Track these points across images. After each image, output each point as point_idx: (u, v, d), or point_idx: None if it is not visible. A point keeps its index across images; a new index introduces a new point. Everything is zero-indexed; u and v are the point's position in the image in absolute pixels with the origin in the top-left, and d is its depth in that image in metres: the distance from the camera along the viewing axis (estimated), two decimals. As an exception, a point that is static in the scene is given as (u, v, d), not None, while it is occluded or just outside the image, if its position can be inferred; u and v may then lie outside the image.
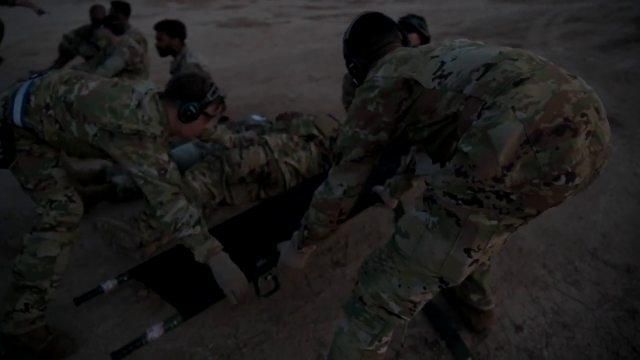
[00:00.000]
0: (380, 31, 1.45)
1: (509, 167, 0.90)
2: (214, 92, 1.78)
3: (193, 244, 1.65)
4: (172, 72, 3.63)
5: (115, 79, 1.75)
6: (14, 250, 2.26)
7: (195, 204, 2.10)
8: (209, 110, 1.79)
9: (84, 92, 1.63)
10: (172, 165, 1.67)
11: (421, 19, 2.68)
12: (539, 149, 0.89)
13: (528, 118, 0.89)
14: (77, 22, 6.80)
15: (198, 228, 1.66)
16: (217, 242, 1.69)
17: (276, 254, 1.80)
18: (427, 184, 1.08)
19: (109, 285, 1.88)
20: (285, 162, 2.54)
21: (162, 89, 1.79)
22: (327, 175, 1.41)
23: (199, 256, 1.66)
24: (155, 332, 1.53)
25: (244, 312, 1.82)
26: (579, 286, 1.89)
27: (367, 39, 1.44)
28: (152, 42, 3.78)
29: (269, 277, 1.78)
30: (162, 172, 1.62)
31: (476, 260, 1.04)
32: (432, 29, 3.06)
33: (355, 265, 2.05)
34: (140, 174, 1.61)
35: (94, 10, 5.13)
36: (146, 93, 1.68)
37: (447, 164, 1.06)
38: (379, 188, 2.26)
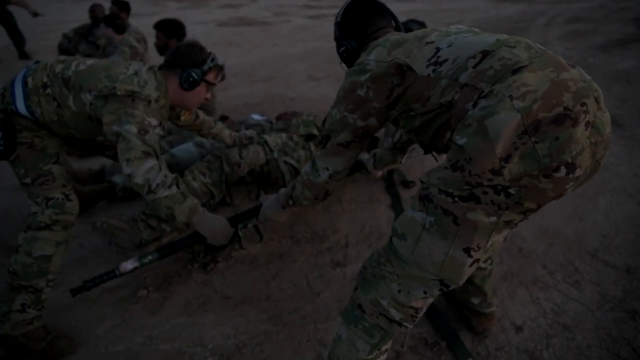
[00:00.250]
0: (373, 15, 1.40)
1: (507, 158, 0.88)
2: (213, 59, 1.82)
3: (172, 204, 1.61)
4: None
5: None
6: (13, 249, 2.24)
7: None
8: (210, 77, 1.83)
9: (82, 67, 1.66)
10: (157, 130, 1.62)
11: (422, 23, 2.67)
12: (537, 139, 0.87)
13: (526, 107, 0.87)
14: (76, 21, 6.77)
15: (174, 188, 1.61)
16: (196, 200, 1.66)
17: (258, 206, 1.81)
18: (422, 182, 1.05)
19: (126, 266, 1.78)
20: (285, 162, 2.54)
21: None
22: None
23: (181, 216, 1.63)
24: (129, 264, 1.58)
25: (243, 312, 1.81)
26: (579, 287, 1.89)
27: (360, 23, 1.39)
28: (151, 41, 3.77)
29: (250, 225, 1.76)
30: (142, 132, 1.57)
31: (477, 260, 1.01)
32: (432, 29, 3.04)
33: (356, 266, 2.04)
34: (120, 130, 1.56)
35: (94, 9, 5.12)
36: (144, 66, 1.72)
37: (438, 155, 1.07)
38: (364, 156, 2.26)
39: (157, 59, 4.35)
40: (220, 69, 1.90)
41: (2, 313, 1.64)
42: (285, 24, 9.32)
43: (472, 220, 0.95)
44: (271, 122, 3.23)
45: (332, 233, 2.30)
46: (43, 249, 1.68)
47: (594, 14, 8.62)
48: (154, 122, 1.62)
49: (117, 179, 2.67)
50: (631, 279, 1.92)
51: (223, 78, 1.96)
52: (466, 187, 0.93)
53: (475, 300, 1.61)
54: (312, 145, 2.70)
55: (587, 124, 0.89)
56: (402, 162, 2.11)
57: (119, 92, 1.58)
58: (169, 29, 3.45)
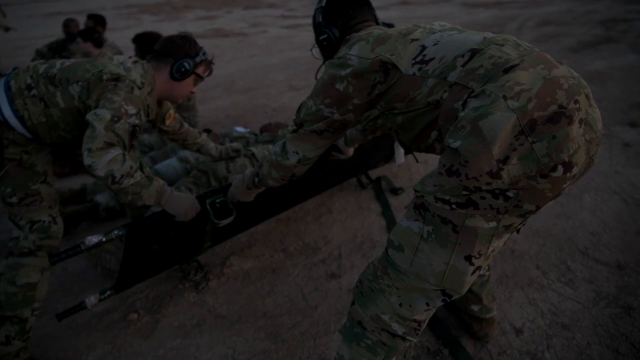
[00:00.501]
0: (360, 6, 1.35)
1: (505, 160, 0.85)
2: (204, 53, 1.80)
3: (138, 189, 1.52)
4: None
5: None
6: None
7: None
8: (200, 70, 1.81)
9: (67, 64, 1.61)
10: (132, 119, 1.53)
11: (390, 25, 2.68)
12: (535, 139, 0.85)
13: (521, 107, 0.85)
14: (47, 37, 6.64)
15: (139, 174, 1.53)
16: (162, 181, 1.61)
17: (227, 185, 1.77)
18: (415, 191, 1.02)
19: (91, 300, 1.77)
20: None
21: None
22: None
23: (149, 199, 1.56)
24: (94, 238, 1.55)
25: (240, 331, 1.76)
26: (573, 285, 1.90)
27: (345, 12, 1.33)
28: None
29: (218, 201, 1.72)
30: (115, 119, 1.47)
31: (478, 268, 0.98)
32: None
33: (351, 276, 2.02)
34: (93, 115, 1.47)
35: (68, 24, 5.00)
36: (129, 59, 1.67)
37: (419, 155, 1.06)
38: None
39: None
40: (209, 63, 1.87)
41: None
42: (262, 34, 9.32)
43: (471, 227, 0.93)
44: (256, 134, 3.19)
45: (324, 244, 2.27)
46: (28, 276, 1.60)
47: (563, 17, 8.89)
48: (132, 110, 1.53)
49: (100, 198, 2.59)
50: (622, 274, 1.94)
51: (210, 72, 1.92)
52: (464, 192, 0.90)
53: (474, 307, 1.60)
54: None
55: (581, 121, 0.88)
56: (397, 164, 2.09)
57: (104, 77, 1.53)
58: (142, 45, 3.39)
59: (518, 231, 1.08)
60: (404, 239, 1.03)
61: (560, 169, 0.87)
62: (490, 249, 0.97)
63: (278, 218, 2.52)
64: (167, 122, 2.02)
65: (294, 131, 1.30)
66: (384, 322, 1.08)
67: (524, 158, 0.85)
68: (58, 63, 1.61)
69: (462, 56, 0.98)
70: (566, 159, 0.86)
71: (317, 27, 1.38)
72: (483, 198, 0.90)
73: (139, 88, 1.58)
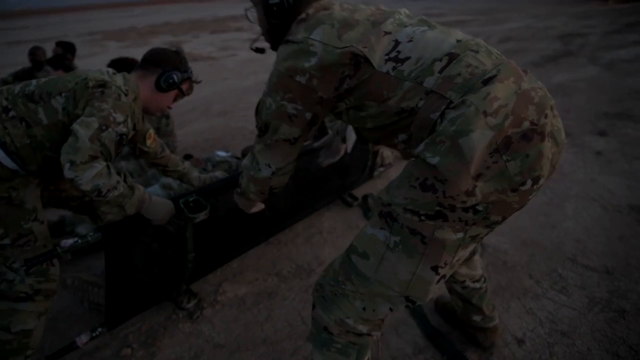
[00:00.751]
0: None
1: (478, 177, 0.85)
2: (191, 72, 1.81)
3: (121, 200, 1.51)
4: None
5: None
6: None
7: None
8: (184, 86, 1.80)
9: (43, 81, 1.55)
10: (119, 127, 1.48)
11: None
12: (509, 157, 0.84)
13: (498, 124, 0.84)
14: (9, 65, 6.44)
15: (122, 185, 1.50)
16: (142, 189, 1.59)
17: (203, 187, 1.87)
18: (380, 199, 0.99)
19: (82, 339, 1.74)
20: None
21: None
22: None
23: (130, 209, 1.56)
24: (69, 240, 1.54)
25: (241, 360, 1.71)
26: (566, 292, 1.94)
27: None
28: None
29: (191, 199, 1.75)
30: (103, 127, 1.43)
31: (443, 276, 0.98)
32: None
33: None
34: (79, 124, 1.41)
35: (35, 52, 4.87)
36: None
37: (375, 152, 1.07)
38: None
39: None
40: (193, 82, 1.86)
41: None
42: (232, 57, 9.33)
43: (440, 238, 0.92)
44: (238, 158, 3.17)
45: (318, 265, 2.25)
46: (25, 322, 1.50)
47: (523, 33, 9.30)
48: (120, 118, 1.49)
49: (81, 230, 2.50)
50: (612, 279, 2.00)
51: (191, 92, 1.92)
52: (437, 207, 0.89)
53: (477, 318, 1.61)
54: None
55: (550, 134, 0.89)
56: (348, 151, 2.09)
57: (90, 83, 1.48)
58: (124, 68, 3.34)
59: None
60: (369, 247, 1.00)
61: (529, 182, 0.88)
62: (456, 258, 0.97)
63: (268, 242, 2.49)
64: (148, 142, 1.97)
65: (260, 136, 1.19)
66: (349, 325, 1.09)
67: (497, 176, 0.85)
68: (34, 81, 1.55)
69: (440, 60, 0.94)
70: (537, 175, 0.88)
71: None
72: (453, 211, 0.89)
73: (125, 94, 1.55)
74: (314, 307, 1.15)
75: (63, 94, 1.49)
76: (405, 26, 1.05)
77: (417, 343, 1.72)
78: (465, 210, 0.88)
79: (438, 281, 0.97)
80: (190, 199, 1.75)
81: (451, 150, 0.85)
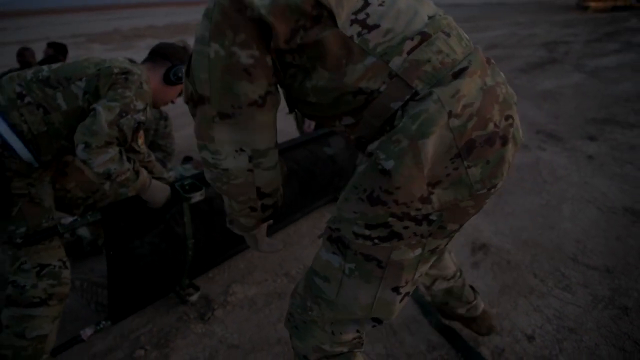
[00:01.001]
0: None
1: (435, 184, 0.77)
2: None
3: (126, 183, 1.55)
4: None
5: None
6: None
7: None
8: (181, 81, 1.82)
9: (54, 67, 1.53)
10: (139, 115, 1.50)
11: None
12: (470, 163, 0.77)
13: (460, 126, 0.75)
14: (-2, 67, 6.28)
15: (129, 170, 1.53)
16: (146, 173, 1.63)
17: (197, 173, 1.89)
18: (328, 224, 0.91)
19: (87, 332, 1.73)
20: None
21: None
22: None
23: (132, 191, 1.60)
24: (69, 219, 1.59)
25: None
26: (571, 290, 2.00)
27: None
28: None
29: (187, 183, 1.81)
30: (123, 114, 1.44)
31: (407, 294, 0.93)
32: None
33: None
34: (102, 105, 1.42)
35: (23, 53, 4.79)
36: None
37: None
38: None
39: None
40: None
41: None
42: (222, 61, 9.30)
43: (397, 260, 0.85)
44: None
45: (327, 265, 2.26)
46: (40, 328, 1.48)
47: (508, 41, 9.51)
48: (140, 106, 1.51)
49: (83, 232, 2.46)
50: (613, 277, 2.07)
51: None
52: (390, 218, 0.80)
53: (462, 311, 1.62)
54: None
55: (513, 139, 0.82)
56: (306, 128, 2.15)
57: (115, 70, 1.49)
58: None
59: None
60: (327, 272, 0.93)
61: (487, 187, 0.82)
62: (417, 274, 0.91)
63: (273, 242, 2.49)
64: (140, 141, 1.96)
65: (206, 115, 0.82)
66: (327, 351, 1.04)
67: (456, 184, 0.78)
68: (44, 67, 1.53)
69: (412, 39, 0.79)
70: (496, 182, 0.82)
71: None
72: (406, 227, 0.81)
73: (147, 83, 1.57)
74: (290, 337, 1.10)
75: (84, 79, 1.48)
76: None
77: (430, 340, 1.75)
78: (419, 223, 0.81)
79: (402, 299, 0.92)
80: (186, 182, 1.81)
81: (408, 152, 0.75)
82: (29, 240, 1.51)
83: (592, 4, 15.18)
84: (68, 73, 1.49)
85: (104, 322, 1.79)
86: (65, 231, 1.58)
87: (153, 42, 12.97)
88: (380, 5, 0.82)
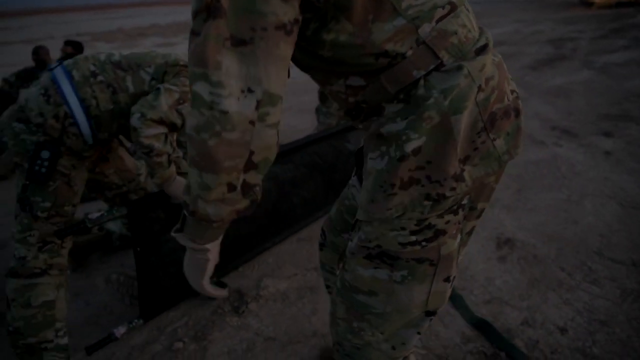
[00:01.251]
0: None
1: (465, 160, 0.76)
2: None
3: (157, 168, 1.61)
4: None
5: None
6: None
7: None
8: None
9: (125, 53, 1.66)
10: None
11: None
12: (495, 136, 0.77)
13: (484, 100, 0.75)
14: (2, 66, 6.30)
15: (166, 157, 1.62)
16: (174, 167, 1.69)
17: None
18: (363, 240, 0.85)
19: (120, 330, 1.79)
20: None
21: None
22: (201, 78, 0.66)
23: (158, 179, 1.65)
24: (96, 214, 1.65)
25: (295, 352, 1.74)
26: (599, 284, 2.03)
27: None
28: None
29: None
30: (181, 101, 1.57)
31: (454, 277, 0.92)
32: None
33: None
34: (166, 86, 1.55)
35: (38, 51, 4.82)
36: None
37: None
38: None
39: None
40: None
41: None
42: (228, 58, 9.31)
43: (446, 254, 0.85)
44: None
45: (354, 260, 2.29)
46: (45, 294, 1.55)
47: (513, 38, 9.52)
48: None
49: (113, 226, 2.49)
50: (639, 271, 2.10)
51: None
52: (426, 202, 0.77)
53: None
54: None
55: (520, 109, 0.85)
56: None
57: (181, 62, 1.64)
58: None
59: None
60: (374, 285, 0.88)
61: (512, 156, 0.83)
62: (460, 257, 0.92)
63: (299, 238, 2.53)
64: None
65: (215, 32, 0.64)
66: None
67: (485, 157, 0.77)
68: (115, 52, 1.66)
69: (443, 8, 0.76)
70: (518, 151, 0.84)
71: None
72: (447, 222, 0.81)
73: None
74: None
75: (152, 66, 1.61)
76: None
77: (464, 333, 1.78)
78: (456, 212, 0.81)
79: (451, 284, 0.92)
80: None
81: (440, 128, 0.73)
82: (60, 234, 1.58)
83: (597, 0, 15.15)
84: (138, 60, 1.61)
85: (136, 321, 1.83)
86: (93, 225, 1.63)
87: (157, 41, 13.00)
88: None
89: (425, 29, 0.74)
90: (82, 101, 1.53)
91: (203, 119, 0.66)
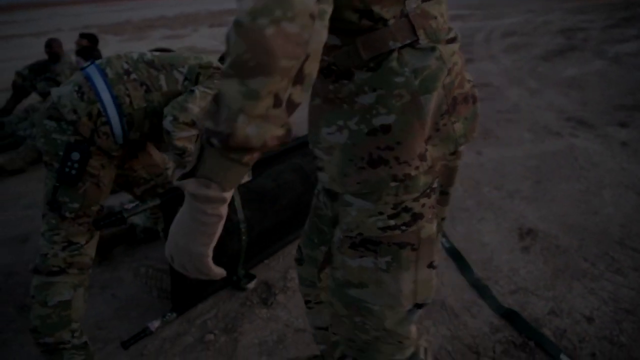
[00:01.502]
0: None
1: (427, 140, 0.78)
2: None
3: (188, 167, 1.67)
4: None
5: None
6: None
7: None
8: None
9: (157, 53, 1.69)
10: None
11: None
12: (455, 119, 0.81)
13: (450, 84, 0.79)
14: (5, 60, 6.33)
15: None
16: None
17: None
18: (346, 230, 0.87)
19: (154, 324, 1.83)
20: None
21: None
22: None
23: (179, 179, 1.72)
24: (131, 205, 1.69)
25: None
26: (622, 274, 2.04)
27: None
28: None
29: None
30: None
31: (437, 264, 0.94)
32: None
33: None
34: (200, 88, 1.59)
35: (51, 44, 4.83)
36: None
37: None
38: None
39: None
40: None
41: None
42: (236, 51, 9.30)
43: (426, 238, 0.86)
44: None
45: (377, 251, 2.32)
46: (60, 294, 1.53)
47: (524, 28, 9.44)
48: None
49: (137, 219, 2.52)
50: (663, 261, 2.11)
51: None
52: (393, 183, 0.78)
53: None
54: None
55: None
56: None
57: (214, 64, 1.66)
58: None
59: None
60: (363, 277, 0.89)
61: (468, 140, 0.87)
62: (438, 244, 0.93)
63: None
64: None
65: None
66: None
67: (445, 139, 0.81)
68: (148, 53, 1.69)
69: None
70: (473, 135, 0.88)
71: None
72: (424, 205, 0.83)
73: None
74: None
75: (185, 67, 1.63)
76: None
77: (492, 323, 1.80)
78: (429, 196, 0.83)
79: (434, 271, 0.93)
80: None
81: (411, 107, 0.74)
82: (98, 224, 1.60)
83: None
84: (172, 60, 1.63)
85: (169, 314, 1.87)
86: (129, 216, 1.65)
87: (166, 33, 13.00)
88: None
89: (412, 4, 0.75)
90: (115, 98, 1.53)
91: (262, 1, 0.56)
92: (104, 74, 1.55)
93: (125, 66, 1.57)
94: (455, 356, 1.66)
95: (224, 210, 0.67)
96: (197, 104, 1.53)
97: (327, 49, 0.76)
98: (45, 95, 4.84)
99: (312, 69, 0.62)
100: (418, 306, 0.94)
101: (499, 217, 2.55)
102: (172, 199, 1.76)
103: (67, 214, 1.54)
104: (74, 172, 1.49)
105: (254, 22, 0.55)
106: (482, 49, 7.50)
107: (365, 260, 0.87)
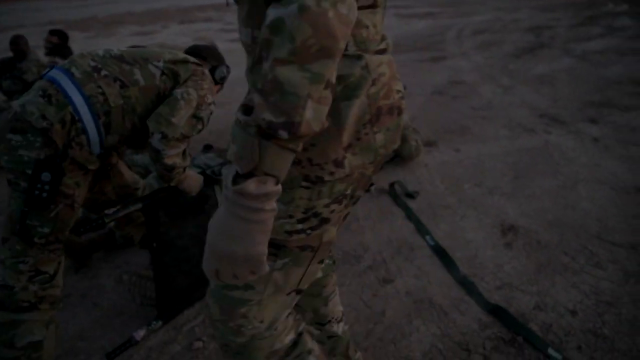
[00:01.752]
0: None
1: (347, 148, 0.78)
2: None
3: (174, 175, 1.64)
4: None
5: None
6: None
7: None
8: (224, 82, 1.92)
9: (123, 48, 1.61)
10: (211, 108, 1.63)
11: None
12: (377, 129, 0.81)
13: (375, 94, 0.78)
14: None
15: (184, 167, 1.66)
16: (188, 164, 1.72)
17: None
18: None
19: (140, 333, 1.78)
20: None
21: None
22: None
23: (174, 182, 1.68)
24: (112, 209, 1.64)
25: (316, 344, 1.76)
26: (602, 267, 2.11)
27: None
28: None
29: (216, 169, 1.96)
30: (201, 106, 1.56)
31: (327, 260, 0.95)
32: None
33: (403, 279, 2.08)
34: (183, 93, 1.52)
35: (17, 41, 4.60)
36: None
37: None
38: None
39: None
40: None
41: None
42: (209, 49, 9.16)
43: (327, 241, 0.88)
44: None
45: (364, 251, 2.32)
46: (31, 333, 1.36)
47: (494, 26, 9.65)
48: (210, 99, 1.62)
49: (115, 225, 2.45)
50: (639, 254, 2.18)
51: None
52: (304, 183, 0.78)
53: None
54: None
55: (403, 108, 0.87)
56: None
57: (191, 60, 1.59)
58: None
59: None
60: (253, 280, 0.83)
61: (388, 152, 0.87)
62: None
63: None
64: None
65: None
66: (279, 349, 0.99)
67: (365, 149, 0.80)
68: (114, 48, 1.59)
69: None
70: (394, 147, 0.88)
71: None
72: (333, 211, 0.84)
73: (211, 81, 1.69)
74: None
75: (161, 61, 1.55)
76: None
77: (481, 319, 1.83)
78: (340, 202, 0.83)
79: (322, 265, 0.95)
80: (215, 168, 1.93)
81: (329, 112, 0.71)
82: (78, 230, 1.53)
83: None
84: (144, 55, 1.55)
85: (154, 322, 1.82)
86: (110, 221, 1.60)
87: (135, 29, 12.66)
88: None
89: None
90: (87, 99, 1.39)
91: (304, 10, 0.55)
92: (69, 74, 1.41)
93: (92, 63, 1.44)
94: (447, 354, 1.67)
95: (275, 202, 0.66)
96: (183, 114, 1.46)
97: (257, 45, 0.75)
98: (11, 94, 4.63)
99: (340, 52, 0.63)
100: (298, 292, 0.94)
101: (480, 214, 2.60)
102: (153, 203, 1.72)
103: (37, 240, 1.38)
104: (44, 194, 1.33)
105: (319, 6, 0.56)
106: (454, 46, 7.62)
107: None
